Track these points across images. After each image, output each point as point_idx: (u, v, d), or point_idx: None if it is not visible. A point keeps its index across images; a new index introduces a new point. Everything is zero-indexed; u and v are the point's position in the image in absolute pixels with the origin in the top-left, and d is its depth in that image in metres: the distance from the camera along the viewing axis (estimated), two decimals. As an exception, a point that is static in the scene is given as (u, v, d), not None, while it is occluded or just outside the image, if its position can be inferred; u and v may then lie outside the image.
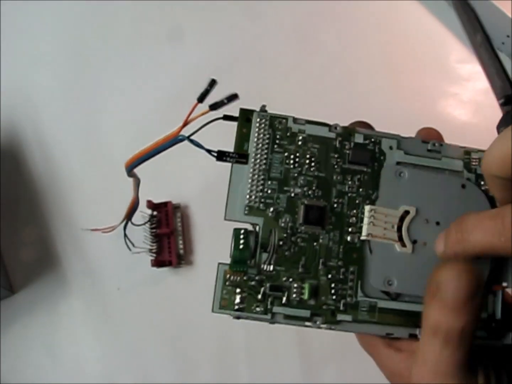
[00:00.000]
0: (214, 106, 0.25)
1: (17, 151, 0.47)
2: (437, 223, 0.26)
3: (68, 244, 0.44)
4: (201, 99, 0.25)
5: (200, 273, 0.45)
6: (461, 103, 0.54)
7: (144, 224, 0.42)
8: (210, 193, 0.46)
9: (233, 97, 0.25)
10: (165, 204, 0.44)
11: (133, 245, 0.41)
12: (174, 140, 0.25)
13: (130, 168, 0.27)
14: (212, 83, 0.25)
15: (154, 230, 0.43)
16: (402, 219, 0.25)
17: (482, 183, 0.27)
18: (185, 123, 0.25)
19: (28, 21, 0.52)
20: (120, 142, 0.48)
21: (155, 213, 0.43)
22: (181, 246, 0.44)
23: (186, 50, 0.52)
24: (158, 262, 0.42)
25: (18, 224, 0.45)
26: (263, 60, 0.53)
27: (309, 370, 0.43)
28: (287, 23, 0.55)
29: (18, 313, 0.42)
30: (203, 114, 0.25)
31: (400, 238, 0.25)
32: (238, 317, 0.25)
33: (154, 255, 0.42)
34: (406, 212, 0.25)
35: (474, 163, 0.27)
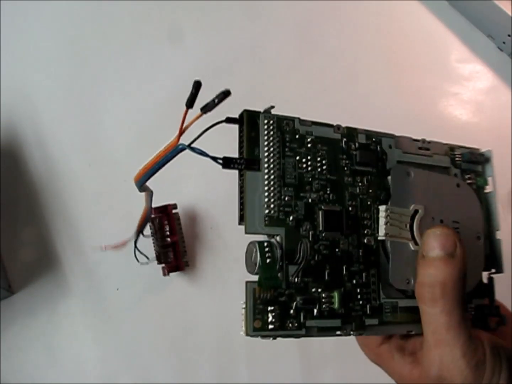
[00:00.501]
0: (205, 108, 0.23)
1: (17, 151, 0.47)
2: (441, 221, 0.26)
3: (68, 244, 0.44)
4: (190, 104, 0.23)
5: (199, 273, 0.44)
6: (462, 102, 0.54)
7: (153, 235, 0.41)
8: (206, 193, 0.45)
9: (224, 95, 0.23)
10: (165, 207, 0.42)
11: (147, 258, 0.39)
12: (174, 150, 0.24)
13: (140, 184, 0.26)
14: (197, 85, 0.23)
15: (164, 240, 0.41)
16: (412, 217, 0.26)
17: (467, 177, 0.29)
18: (181, 131, 0.23)
19: (28, 21, 0.52)
20: (120, 142, 0.48)
21: (154, 216, 0.42)
22: (184, 249, 0.43)
23: (186, 50, 0.52)
24: (170, 269, 0.42)
25: (17, 224, 0.44)
26: (263, 60, 0.53)
27: (309, 370, 0.43)
28: (287, 23, 0.55)
29: (18, 313, 0.42)
30: (197, 118, 0.23)
31: (412, 237, 0.26)
32: (274, 337, 0.23)
33: (164, 264, 0.42)
34: (416, 211, 0.26)
35: (458, 159, 0.29)
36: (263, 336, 0.23)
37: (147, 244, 0.41)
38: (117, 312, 0.43)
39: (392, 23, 0.57)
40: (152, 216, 0.41)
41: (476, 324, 0.25)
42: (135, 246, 0.34)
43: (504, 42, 0.54)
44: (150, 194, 0.29)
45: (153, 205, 0.40)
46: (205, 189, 0.46)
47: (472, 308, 0.27)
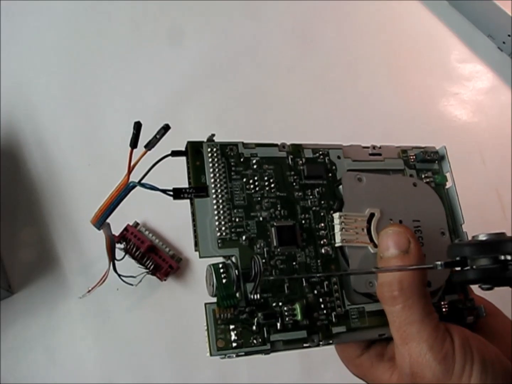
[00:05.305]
0: (149, 145, 0.24)
1: (16, 151, 0.47)
2: (400, 221, 0.27)
3: (68, 245, 0.44)
4: (133, 144, 0.24)
5: (198, 273, 0.44)
6: (462, 102, 0.54)
7: (125, 254, 0.42)
8: (156, 202, 0.45)
9: (164, 130, 0.24)
10: (125, 229, 0.43)
11: (133, 277, 0.41)
12: (126, 188, 0.25)
13: (99, 225, 0.27)
14: (137, 126, 0.24)
15: (138, 253, 0.42)
16: (369, 221, 0.26)
17: (424, 176, 0.29)
18: (130, 170, 0.24)
19: (28, 21, 0.52)
20: (119, 142, 0.48)
21: (124, 244, 0.43)
22: (167, 250, 0.44)
23: (186, 50, 0.52)
24: (164, 274, 0.43)
25: (17, 224, 0.44)
26: (263, 60, 0.53)
27: (309, 370, 0.43)
28: (287, 23, 0.55)
29: (18, 313, 0.42)
30: (143, 155, 0.24)
31: (371, 240, 0.26)
32: (238, 355, 0.23)
33: (154, 271, 0.43)
34: (372, 215, 0.26)
35: (412, 160, 0.29)
36: (228, 356, 0.23)
37: (133, 266, 0.42)
38: (116, 312, 0.43)
39: (392, 23, 0.57)
40: (123, 243, 0.43)
41: (453, 320, 0.25)
42: (117, 273, 0.35)
43: (504, 42, 0.54)
44: (107, 225, 0.29)
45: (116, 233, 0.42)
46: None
47: (445, 304, 0.27)
